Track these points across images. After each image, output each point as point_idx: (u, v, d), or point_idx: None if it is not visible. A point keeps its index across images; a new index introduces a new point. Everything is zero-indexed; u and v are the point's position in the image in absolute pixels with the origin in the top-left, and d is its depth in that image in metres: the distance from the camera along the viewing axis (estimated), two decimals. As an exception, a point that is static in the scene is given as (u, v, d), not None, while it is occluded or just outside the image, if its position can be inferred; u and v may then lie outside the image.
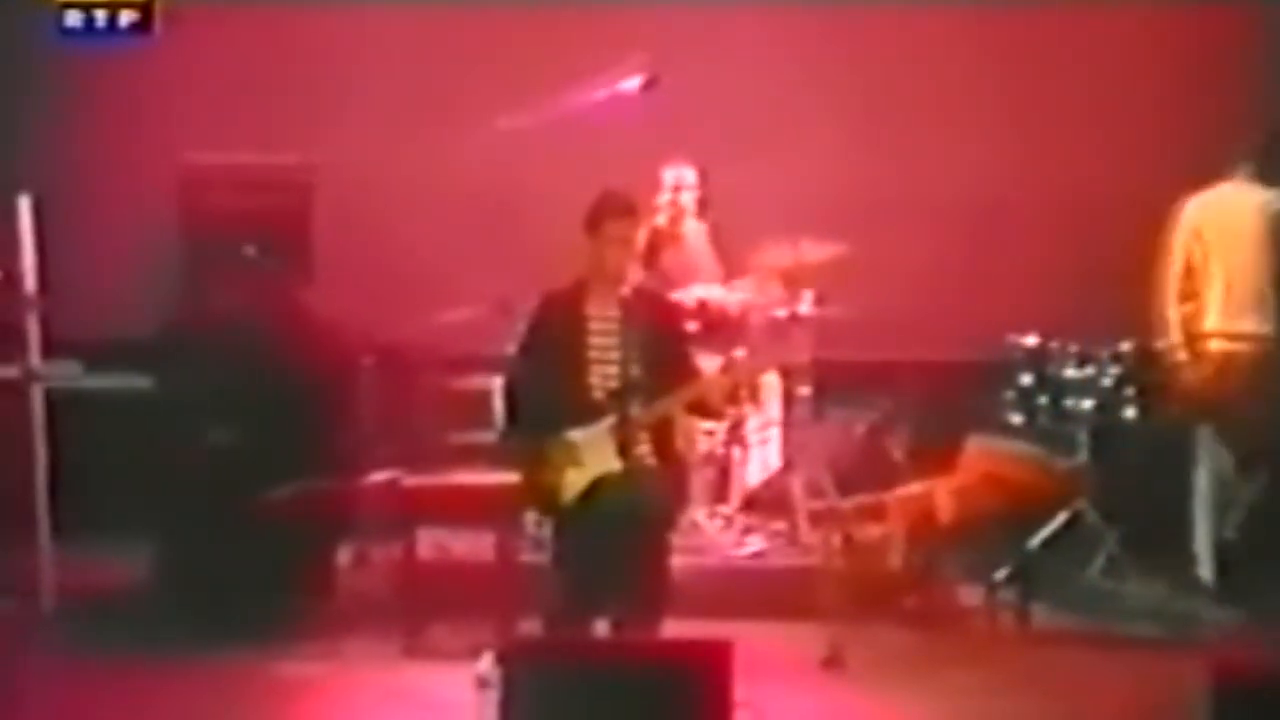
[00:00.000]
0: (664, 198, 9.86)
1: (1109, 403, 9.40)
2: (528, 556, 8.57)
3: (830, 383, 9.81)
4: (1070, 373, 9.44)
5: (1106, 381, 9.40)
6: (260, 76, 10.43)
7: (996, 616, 9.02)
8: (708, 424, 9.31)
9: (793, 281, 9.65)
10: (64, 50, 9.80)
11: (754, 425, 9.75)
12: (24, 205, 8.99)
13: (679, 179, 9.89)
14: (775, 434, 9.83)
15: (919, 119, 10.36)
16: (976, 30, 10.40)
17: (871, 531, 9.20)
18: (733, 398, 9.26)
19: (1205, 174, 9.81)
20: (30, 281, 9.01)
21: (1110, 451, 9.41)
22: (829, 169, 10.19)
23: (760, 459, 9.84)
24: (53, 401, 9.09)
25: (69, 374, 9.16)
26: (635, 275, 8.10)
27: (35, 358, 9.05)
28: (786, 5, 10.33)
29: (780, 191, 9.93)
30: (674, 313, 8.47)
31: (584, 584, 7.72)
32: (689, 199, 9.93)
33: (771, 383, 9.77)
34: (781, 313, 9.65)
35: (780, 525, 9.67)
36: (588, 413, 7.78)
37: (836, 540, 9.15)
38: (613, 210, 7.91)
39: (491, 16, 10.42)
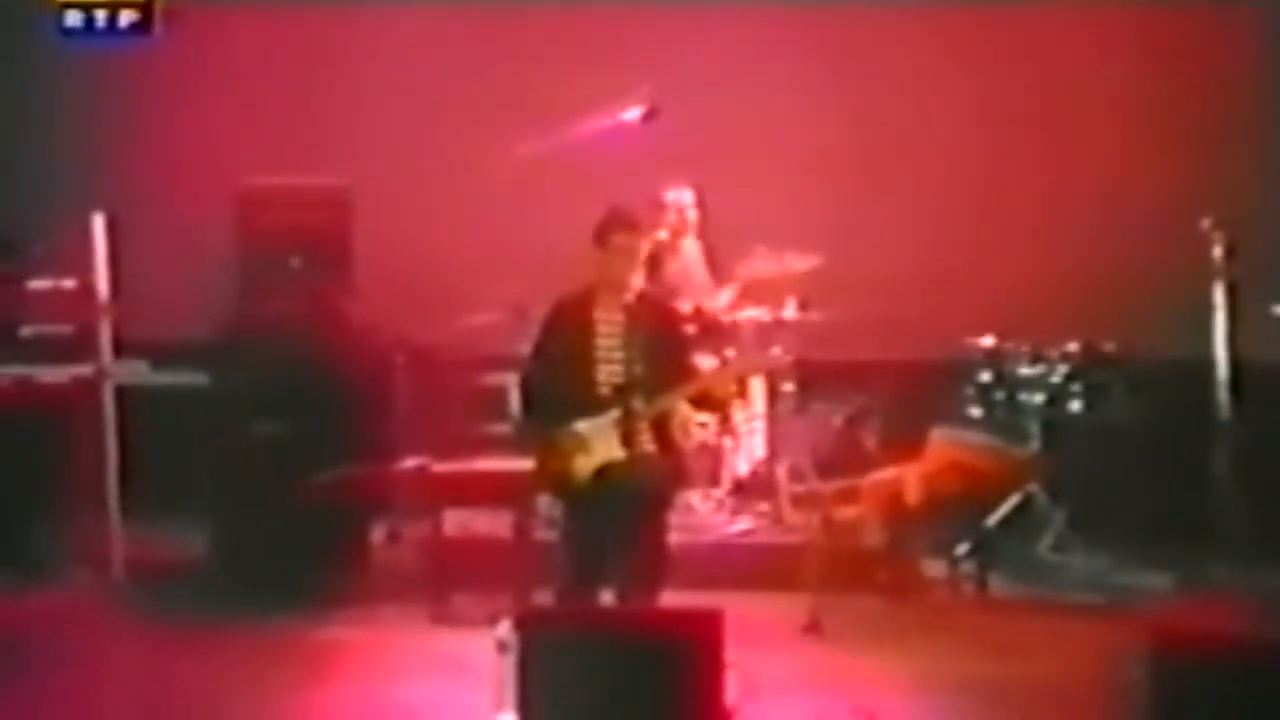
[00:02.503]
0: (666, 216, 9.80)
1: (1058, 397, 9.41)
2: (542, 534, 8.52)
3: (811, 380, 9.74)
4: (1023, 370, 9.45)
5: (1055, 378, 9.41)
6: (308, 110, 10.43)
7: (958, 587, 9.03)
8: (703, 416, 9.14)
9: (778, 289, 9.61)
10: (124, 76, 9.85)
11: (743, 418, 9.70)
12: (98, 222, 9.00)
13: (679, 199, 9.83)
14: (762, 426, 9.78)
15: (889, 147, 10.21)
16: (939, 62, 10.30)
17: (848, 512, 9.16)
18: (733, 392, 9.24)
19: (1153, 188, 9.83)
20: (103, 290, 9.02)
21: (1059, 441, 9.40)
22: (811, 190, 10.09)
23: (749, 448, 9.79)
24: (122, 396, 9.12)
25: (137, 372, 9.17)
26: (638, 283, 8.05)
27: (107, 357, 9.07)
28: (773, 46, 10.26)
29: (767, 210, 9.84)
30: (673, 317, 8.39)
31: (591, 559, 7.73)
32: (688, 216, 9.87)
33: (759, 380, 9.70)
34: (768, 317, 9.61)
35: (766, 507, 9.63)
36: (595, 406, 7.75)
37: (816, 520, 9.13)
38: (618, 225, 7.88)
39: (512, 53, 10.36)
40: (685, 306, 9.44)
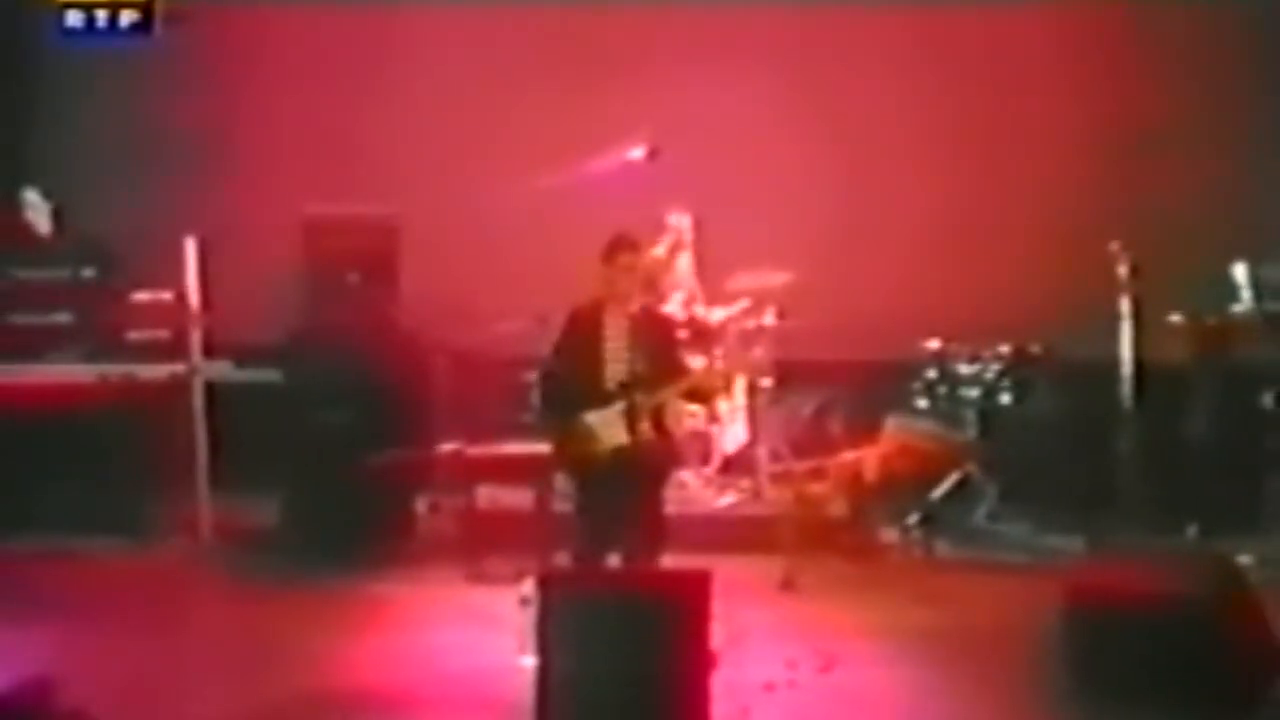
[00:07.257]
0: (668, 236, 9.76)
1: (991, 391, 9.44)
2: (559, 507, 8.45)
3: (786, 376, 9.72)
4: (963, 369, 9.48)
5: (990, 375, 9.44)
6: (363, 151, 10.42)
7: (909, 550, 9.06)
8: (694, 407, 9.09)
9: (759, 300, 9.59)
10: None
11: (728, 408, 9.68)
12: (190, 245, 9.06)
13: (679, 223, 9.76)
14: (744, 415, 9.76)
15: (853, 182, 10.18)
16: (892, 108, 10.24)
17: (816, 488, 9.20)
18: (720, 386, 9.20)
19: (1071, 216, 9.76)
20: (194, 301, 9.08)
21: (992, 428, 9.43)
22: (786, 217, 10.04)
23: (733, 434, 9.77)
24: (210, 390, 9.17)
25: (222, 370, 9.21)
26: (639, 296, 8.00)
27: (197, 357, 9.13)
28: (755, 100, 10.19)
29: (749, 234, 9.79)
30: (669, 324, 8.41)
31: (600, 527, 7.70)
32: (685, 237, 9.78)
33: (742, 376, 9.63)
34: (750, 324, 9.61)
35: (748, 483, 9.61)
36: (603, 399, 7.72)
37: (790, 494, 9.16)
38: (622, 247, 7.83)
39: (535, 100, 10.31)
40: (680, 315, 9.43)
